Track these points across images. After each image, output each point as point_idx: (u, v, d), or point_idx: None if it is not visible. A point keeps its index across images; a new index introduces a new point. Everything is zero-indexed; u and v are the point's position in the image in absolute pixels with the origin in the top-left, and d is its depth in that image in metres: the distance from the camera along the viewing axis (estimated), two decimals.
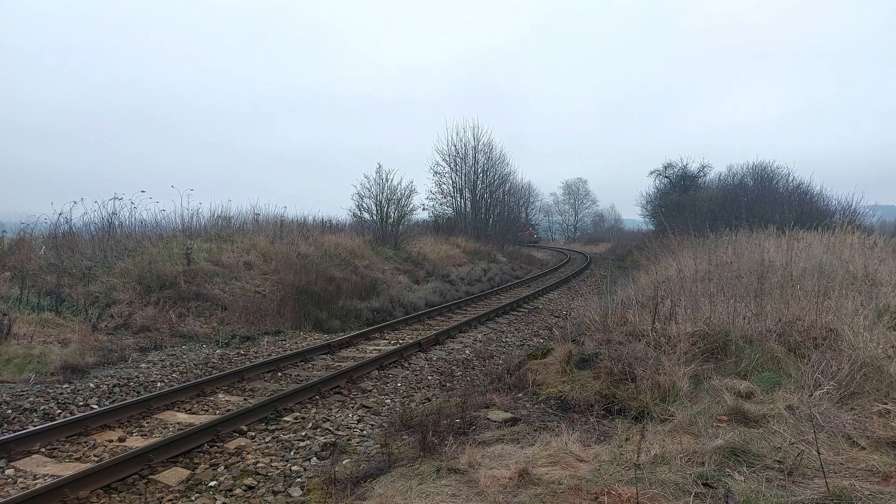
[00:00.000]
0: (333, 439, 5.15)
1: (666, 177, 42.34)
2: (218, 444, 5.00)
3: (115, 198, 14.29)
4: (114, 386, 6.73)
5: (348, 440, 5.15)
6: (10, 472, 4.41)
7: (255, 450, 4.90)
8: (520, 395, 5.75)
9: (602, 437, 4.37)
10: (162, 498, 4.05)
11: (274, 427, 5.48)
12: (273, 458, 4.74)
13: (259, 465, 4.57)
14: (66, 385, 6.66)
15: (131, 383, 6.90)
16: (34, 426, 5.29)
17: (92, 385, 6.71)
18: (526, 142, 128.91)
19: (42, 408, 5.85)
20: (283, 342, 9.84)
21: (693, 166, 40.50)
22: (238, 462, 4.63)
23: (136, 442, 5.07)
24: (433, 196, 32.74)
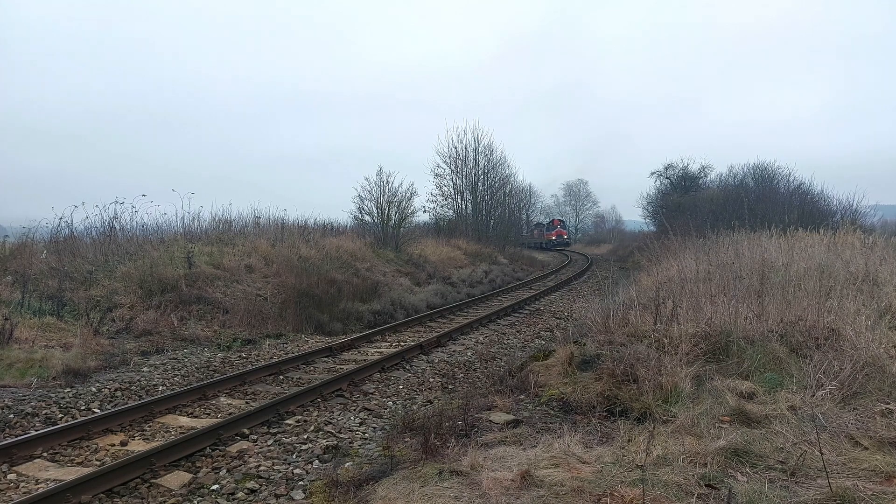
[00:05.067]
0: (335, 442, 5.15)
1: (667, 178, 42.37)
2: (220, 447, 5.00)
3: (116, 202, 14.36)
4: (115, 390, 6.74)
5: (350, 443, 5.15)
6: (12, 476, 4.42)
7: (257, 453, 4.90)
8: (522, 396, 5.75)
9: (604, 439, 4.36)
10: (164, 502, 4.05)
11: (276, 430, 5.48)
12: (275, 461, 4.73)
13: (261, 468, 4.57)
14: (68, 389, 6.67)
15: (133, 387, 6.90)
16: (36, 431, 5.30)
17: (94, 389, 6.71)
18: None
19: (44, 412, 5.85)
20: (285, 345, 9.85)
21: (694, 167, 40.54)
22: (240, 465, 4.63)
23: (138, 446, 5.08)
24: (434, 198, 32.75)
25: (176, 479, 4.37)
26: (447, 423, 4.90)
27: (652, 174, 43.34)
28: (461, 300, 15.83)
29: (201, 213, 16.26)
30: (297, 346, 9.79)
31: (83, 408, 6.10)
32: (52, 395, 6.42)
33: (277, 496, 4.07)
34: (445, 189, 32.95)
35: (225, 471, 4.54)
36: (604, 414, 5.02)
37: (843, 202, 22.04)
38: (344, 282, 14.08)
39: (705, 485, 3.32)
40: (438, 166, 32.96)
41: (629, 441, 4.21)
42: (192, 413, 6.06)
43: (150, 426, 5.62)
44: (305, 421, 5.76)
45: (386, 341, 10.15)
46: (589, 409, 5.12)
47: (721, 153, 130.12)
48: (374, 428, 5.60)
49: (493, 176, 33.85)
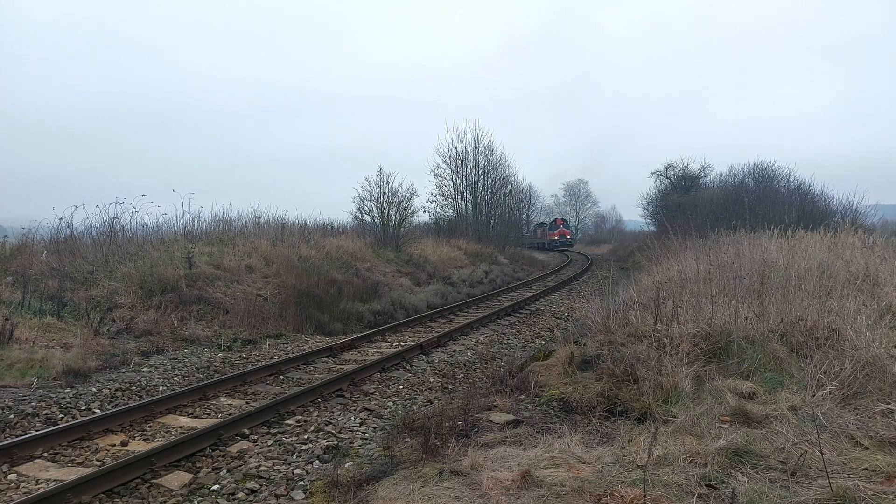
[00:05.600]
0: (336, 442, 5.15)
1: (667, 178, 42.35)
2: (220, 447, 5.00)
3: (116, 202, 14.35)
4: (116, 390, 6.74)
5: (350, 443, 5.15)
6: (12, 476, 4.42)
7: (258, 453, 4.90)
8: (522, 396, 5.74)
9: (605, 439, 4.36)
10: (165, 502, 4.05)
11: (276, 430, 5.48)
12: (275, 461, 4.73)
13: (261, 468, 4.57)
14: (69, 389, 6.67)
15: (133, 387, 6.90)
16: (37, 431, 5.30)
17: (94, 389, 6.71)
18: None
19: (44, 412, 5.85)
20: (285, 345, 9.85)
21: (694, 167, 40.54)
22: (240, 466, 4.63)
23: (138, 446, 5.08)
24: (434, 198, 32.76)
25: (176, 480, 4.37)
26: (447, 424, 4.90)
27: (652, 174, 43.35)
28: (461, 300, 15.82)
29: (201, 214, 16.30)
30: (298, 346, 9.79)
31: (83, 408, 6.10)
32: (52, 395, 6.42)
33: (278, 496, 4.07)
34: (445, 189, 32.98)
35: (225, 471, 4.54)
36: (604, 414, 5.01)
37: (844, 202, 22.07)
38: (344, 282, 14.08)
39: (706, 485, 3.32)
40: (438, 166, 33.00)
41: (629, 441, 4.21)
42: (192, 413, 6.06)
43: (150, 426, 5.62)
44: (306, 421, 5.76)
45: (386, 341, 10.15)
46: (589, 409, 5.12)
47: (726, 152, 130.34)
48: (375, 428, 5.60)
49: (493, 176, 33.88)
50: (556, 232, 45.74)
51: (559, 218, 49.51)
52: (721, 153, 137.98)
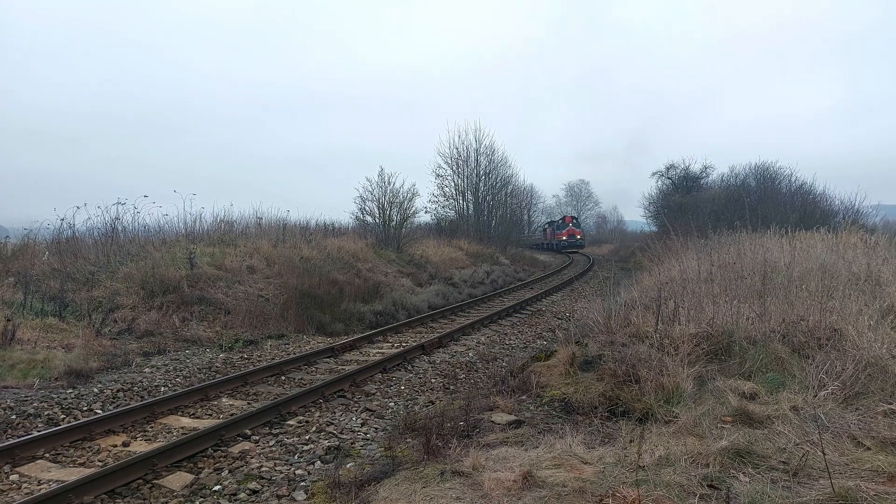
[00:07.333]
0: (337, 443, 5.15)
1: (668, 178, 42.29)
2: (222, 448, 5.01)
3: (118, 203, 14.42)
4: (118, 391, 6.75)
5: (352, 444, 5.15)
6: (14, 477, 4.43)
7: (259, 454, 4.90)
8: (523, 397, 5.74)
9: (606, 440, 4.35)
10: (166, 502, 4.06)
11: (278, 431, 5.48)
12: (277, 462, 4.74)
13: (263, 469, 4.57)
14: (70, 390, 6.68)
15: (135, 388, 6.91)
16: (38, 431, 5.31)
17: (96, 390, 6.72)
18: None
19: (46, 413, 5.86)
20: (287, 346, 9.85)
21: (695, 167, 40.49)
22: (242, 466, 4.64)
23: (140, 447, 5.08)
24: (435, 199, 32.81)
25: (178, 480, 4.37)
26: (449, 424, 4.90)
27: (654, 174, 43.29)
28: (463, 301, 15.82)
29: (203, 214, 16.34)
30: (299, 346, 9.80)
31: (85, 408, 6.11)
32: (54, 395, 6.43)
33: (279, 497, 4.07)
34: (447, 189, 33.04)
35: (227, 471, 4.54)
36: (605, 414, 5.01)
37: (846, 202, 22.05)
38: (345, 282, 14.09)
39: (707, 485, 3.32)
40: (440, 167, 33.09)
41: (631, 441, 4.21)
42: (193, 414, 6.06)
43: (152, 427, 5.63)
44: (307, 421, 5.76)
45: (388, 342, 10.15)
46: (591, 409, 5.11)
47: (729, 151, 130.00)
48: (376, 428, 5.60)
49: (494, 176, 33.95)
50: (564, 231, 42.40)
51: (568, 216, 45.30)
52: (724, 152, 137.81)
